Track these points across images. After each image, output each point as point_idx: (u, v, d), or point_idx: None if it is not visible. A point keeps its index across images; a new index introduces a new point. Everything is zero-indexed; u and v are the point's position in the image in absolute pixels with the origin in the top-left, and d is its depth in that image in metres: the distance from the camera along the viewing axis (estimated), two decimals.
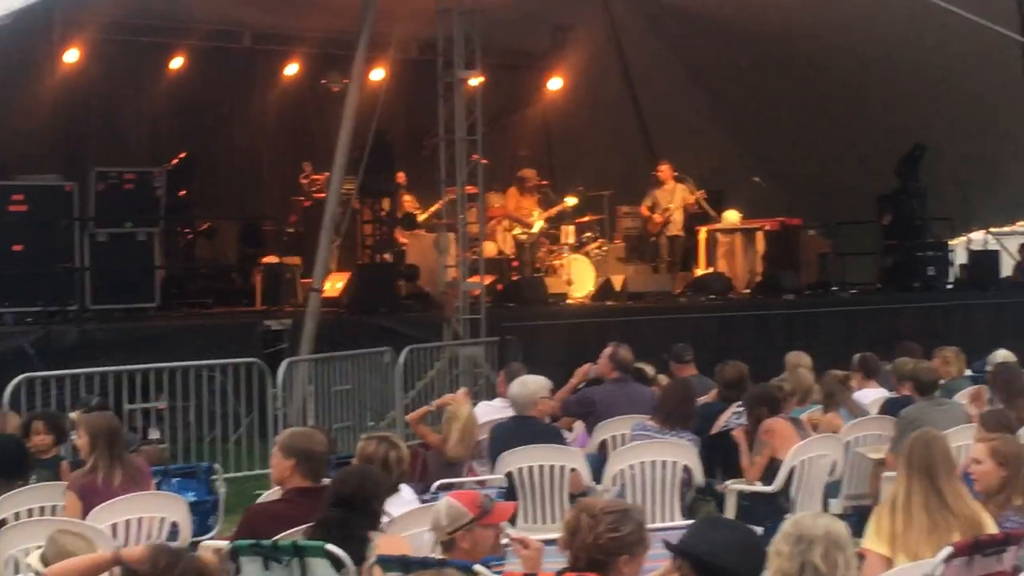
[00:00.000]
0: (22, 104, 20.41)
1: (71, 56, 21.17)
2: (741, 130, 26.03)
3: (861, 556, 6.00)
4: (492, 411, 11.49)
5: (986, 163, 23.24)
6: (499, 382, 12.39)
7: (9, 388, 12.81)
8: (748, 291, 22.32)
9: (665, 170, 22.66)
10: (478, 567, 6.08)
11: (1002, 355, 12.65)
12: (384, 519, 7.09)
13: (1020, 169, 22.35)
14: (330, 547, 6.44)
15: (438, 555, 6.30)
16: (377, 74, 23.48)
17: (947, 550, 6.05)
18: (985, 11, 19.98)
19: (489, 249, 21.77)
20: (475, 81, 24.08)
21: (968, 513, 6.81)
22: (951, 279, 24.28)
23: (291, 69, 23.68)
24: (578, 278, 21.58)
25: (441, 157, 18.15)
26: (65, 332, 16.51)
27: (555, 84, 26.26)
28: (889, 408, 11.28)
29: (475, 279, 18.33)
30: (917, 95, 22.50)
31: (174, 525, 8.48)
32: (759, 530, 5.51)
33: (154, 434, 14.85)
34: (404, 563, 6.15)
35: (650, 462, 9.98)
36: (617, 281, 21.33)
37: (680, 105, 26.16)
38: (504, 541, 6.38)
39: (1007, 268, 25.23)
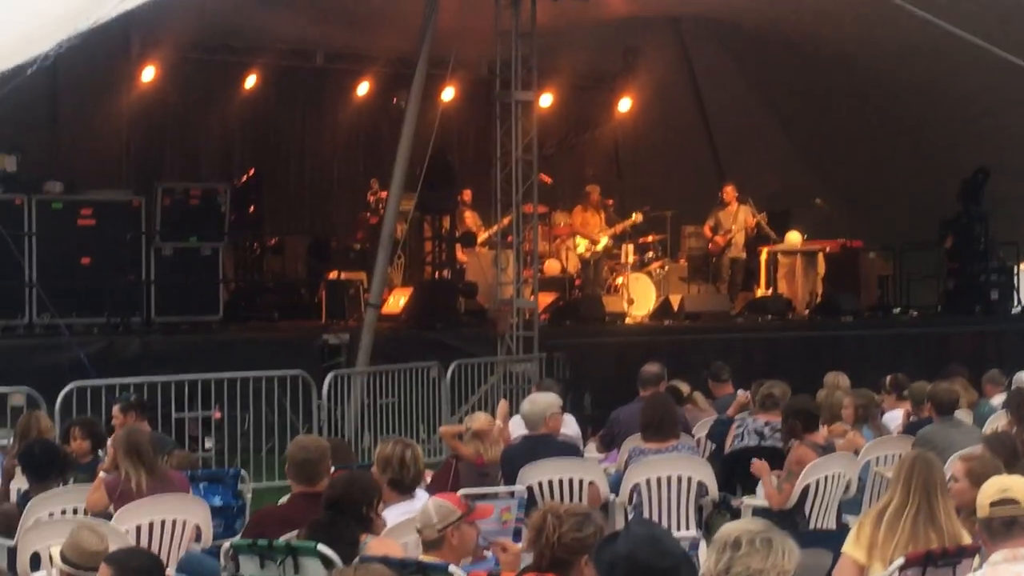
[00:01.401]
0: (98, 120, 21.03)
1: (148, 74, 21.68)
2: (808, 152, 26.21)
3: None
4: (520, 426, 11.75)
5: None
6: None
7: (60, 395, 13.27)
8: (807, 312, 22.46)
9: (729, 191, 22.88)
10: (453, 567, 6.40)
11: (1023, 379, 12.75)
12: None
13: None
14: (321, 547, 6.77)
15: (420, 556, 6.61)
16: (448, 93, 23.96)
17: (899, 560, 6.27)
18: None
19: (553, 267, 22.13)
20: (543, 100, 24.69)
21: (953, 531, 7.01)
22: (1016, 303, 24.24)
23: (363, 88, 24.09)
24: (639, 297, 21.85)
25: (497, 177, 18.43)
26: (128, 343, 16.98)
27: (625, 105, 26.48)
28: (910, 429, 11.47)
29: (529, 297, 18.58)
30: (981, 118, 22.53)
31: (197, 528, 8.84)
32: None
33: (208, 443, 15.35)
34: (385, 564, 6.45)
35: (665, 477, 10.24)
36: (676, 301, 21.57)
37: (749, 126, 26.38)
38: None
39: None
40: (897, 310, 23.59)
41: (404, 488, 7.98)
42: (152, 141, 22.15)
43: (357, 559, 6.21)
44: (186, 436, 15.13)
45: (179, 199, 18.38)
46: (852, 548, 7.06)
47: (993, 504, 5.57)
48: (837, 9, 20.66)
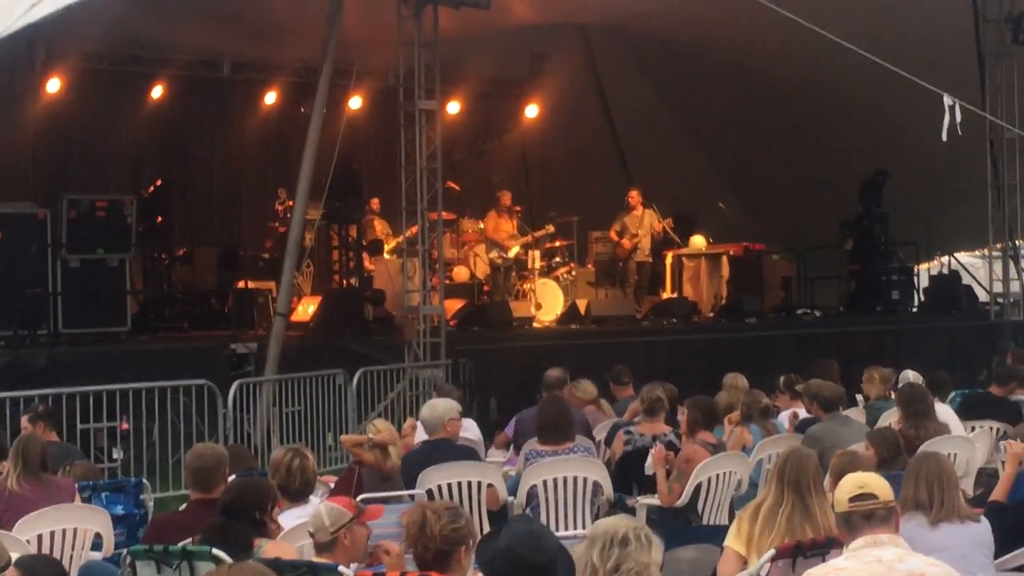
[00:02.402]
0: (3, 132, 20.93)
1: (53, 85, 21.67)
2: (713, 156, 26.62)
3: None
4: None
5: (948, 189, 23.73)
6: None
7: None
8: (712, 314, 22.81)
9: (635, 196, 23.19)
10: (343, 568, 6.60)
11: (912, 376, 13.06)
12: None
13: (981, 195, 22.73)
14: (216, 552, 6.93)
15: (313, 558, 6.81)
16: (355, 102, 24.11)
17: (770, 552, 6.54)
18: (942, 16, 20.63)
19: (461, 274, 22.33)
20: (450, 107, 24.90)
21: (828, 525, 7.24)
22: (916, 303, 24.75)
23: (270, 97, 24.20)
24: (547, 302, 22.12)
25: (402, 185, 18.59)
26: (36, 355, 16.92)
27: (532, 111, 26.79)
28: (801, 427, 11.77)
29: (436, 304, 18.77)
30: (880, 121, 22.98)
31: (97, 536, 8.98)
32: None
33: (116, 454, 15.40)
34: (276, 567, 6.63)
35: (561, 478, 10.46)
36: (582, 305, 21.85)
37: (655, 132, 26.74)
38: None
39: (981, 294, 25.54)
40: (802, 311, 23.98)
41: (292, 495, 8.17)
42: (59, 152, 22.15)
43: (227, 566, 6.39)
44: (92, 447, 15.16)
45: (85, 211, 18.33)
46: (733, 541, 7.35)
47: (852, 499, 5.84)
48: (732, 18, 20.99)
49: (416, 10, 18.11)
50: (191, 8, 20.01)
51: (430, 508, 6.15)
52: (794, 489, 7.24)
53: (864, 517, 5.76)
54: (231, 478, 8.38)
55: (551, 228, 22.82)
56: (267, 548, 7.06)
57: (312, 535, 6.84)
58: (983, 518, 7.42)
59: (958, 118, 12.95)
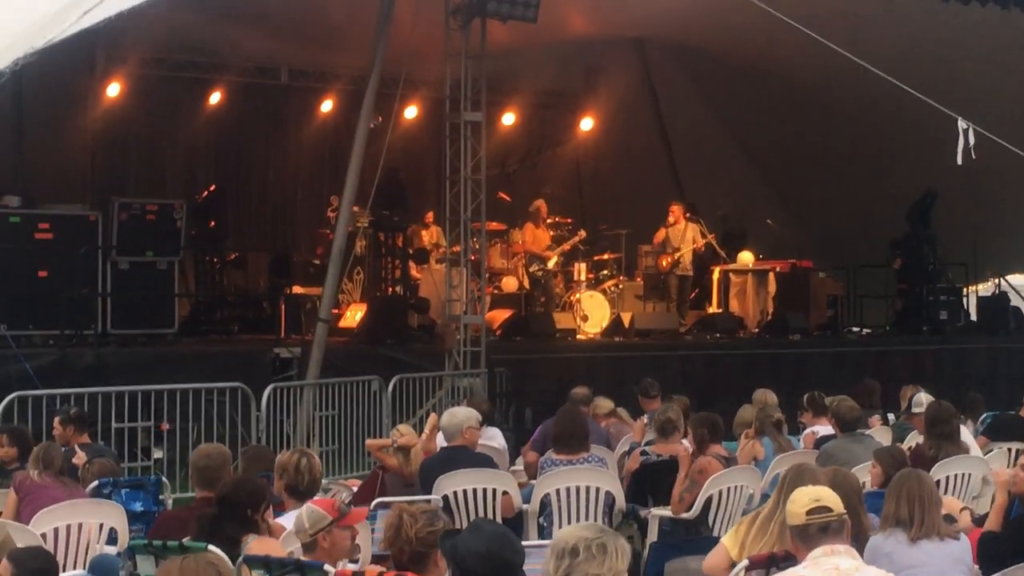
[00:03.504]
0: (63, 135, 21.37)
1: (112, 90, 22.03)
2: (765, 173, 26.66)
3: None
4: None
5: (996, 210, 23.68)
6: None
7: (2, 405, 13.64)
8: (757, 331, 22.87)
9: (676, 210, 23.29)
10: (327, 567, 6.79)
11: (924, 398, 13.09)
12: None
13: None
14: (212, 548, 7.14)
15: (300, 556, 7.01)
16: (411, 111, 24.39)
17: (744, 562, 6.68)
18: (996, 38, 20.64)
19: (510, 284, 22.50)
20: (505, 119, 25.13)
21: None
22: (964, 323, 24.69)
23: (326, 105, 24.49)
24: (593, 314, 22.24)
25: (446, 196, 18.80)
26: (81, 355, 17.25)
27: (587, 124, 26.89)
28: (819, 444, 11.86)
29: (478, 312, 18.96)
30: (930, 141, 22.91)
31: (112, 530, 9.23)
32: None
33: (158, 453, 15.70)
34: (266, 563, 6.86)
35: (575, 487, 10.63)
36: (627, 318, 21.97)
37: (708, 147, 26.80)
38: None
39: None
40: (846, 329, 24.03)
41: (299, 494, 8.35)
42: (116, 156, 22.48)
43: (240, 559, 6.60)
44: (138, 446, 15.49)
45: (135, 214, 18.67)
46: (728, 540, 7.54)
47: (809, 512, 6.00)
48: (790, 36, 21.04)
49: (464, 22, 18.31)
50: (249, 14, 20.28)
51: (407, 511, 6.33)
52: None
53: (820, 529, 5.93)
54: None
55: (583, 234, 22.91)
56: (252, 545, 7.27)
57: (297, 535, 7.03)
58: (963, 536, 7.52)
59: (972, 141, 12.98)
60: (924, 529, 7.36)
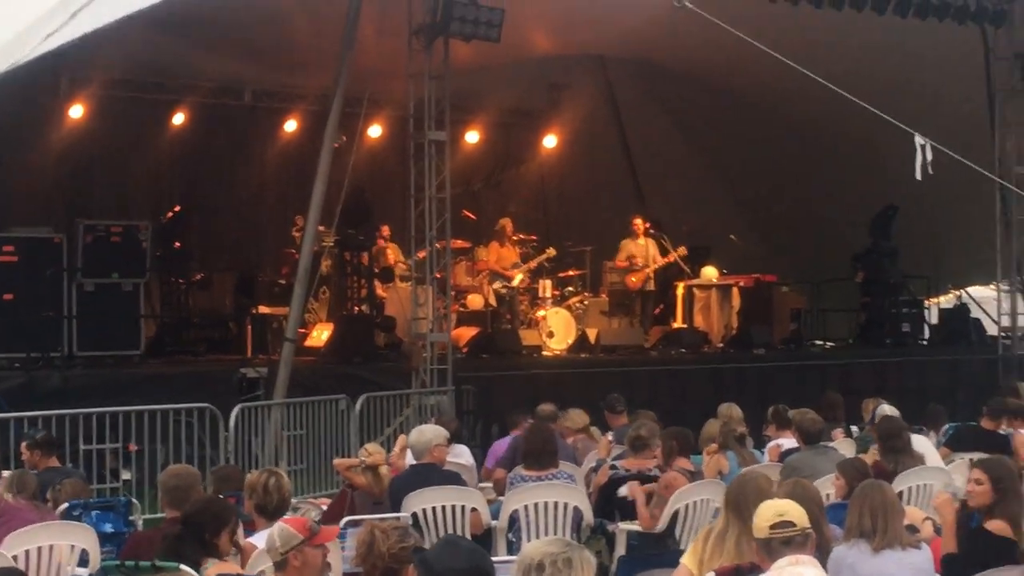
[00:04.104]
0: (27, 158, 21.31)
1: (76, 112, 22.02)
2: (729, 188, 26.84)
3: None
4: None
5: (956, 223, 23.91)
6: None
7: None
8: (721, 345, 23.01)
9: (639, 223, 23.45)
10: None
11: (887, 409, 13.24)
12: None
13: (991, 230, 22.87)
14: (184, 568, 7.21)
15: None
16: (375, 131, 24.47)
17: (711, 574, 6.78)
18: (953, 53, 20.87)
19: (476, 302, 22.59)
20: (469, 137, 25.24)
21: None
22: (925, 336, 24.92)
23: (290, 126, 24.52)
24: (558, 331, 22.34)
25: (411, 215, 18.88)
26: (48, 377, 17.28)
27: (550, 141, 27.04)
28: (783, 456, 12.00)
29: (444, 330, 19.04)
30: (893, 156, 23.11)
31: (84, 552, 9.28)
32: None
33: (126, 474, 15.72)
34: None
35: (543, 502, 10.72)
36: (592, 334, 22.08)
37: (672, 163, 26.99)
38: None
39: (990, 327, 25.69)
40: (819, 342, 24.23)
41: (269, 514, 8.42)
42: (80, 178, 22.46)
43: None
44: (106, 468, 15.51)
45: (101, 236, 18.69)
46: (688, 559, 7.61)
47: (772, 527, 6.13)
48: (749, 53, 21.23)
49: (427, 42, 18.41)
50: (213, 36, 20.29)
51: (379, 528, 6.40)
52: (736, 513, 7.46)
53: (783, 543, 6.06)
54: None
55: (552, 251, 23.06)
56: (210, 570, 7.35)
57: (268, 554, 7.09)
58: (924, 545, 7.64)
59: (929, 157, 13.17)
60: (887, 539, 7.48)
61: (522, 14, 19.29)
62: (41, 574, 9.03)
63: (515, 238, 23.06)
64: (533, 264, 22.82)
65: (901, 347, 23.66)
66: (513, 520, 10.84)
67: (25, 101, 19.44)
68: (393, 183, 24.30)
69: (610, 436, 12.93)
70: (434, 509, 10.70)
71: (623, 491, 10.94)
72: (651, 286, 23.38)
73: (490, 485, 12.60)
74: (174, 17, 16.95)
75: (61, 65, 20.19)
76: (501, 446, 13.39)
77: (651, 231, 23.37)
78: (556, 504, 10.75)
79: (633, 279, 23.21)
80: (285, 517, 7.76)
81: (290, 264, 22.69)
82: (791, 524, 6.12)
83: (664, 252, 23.32)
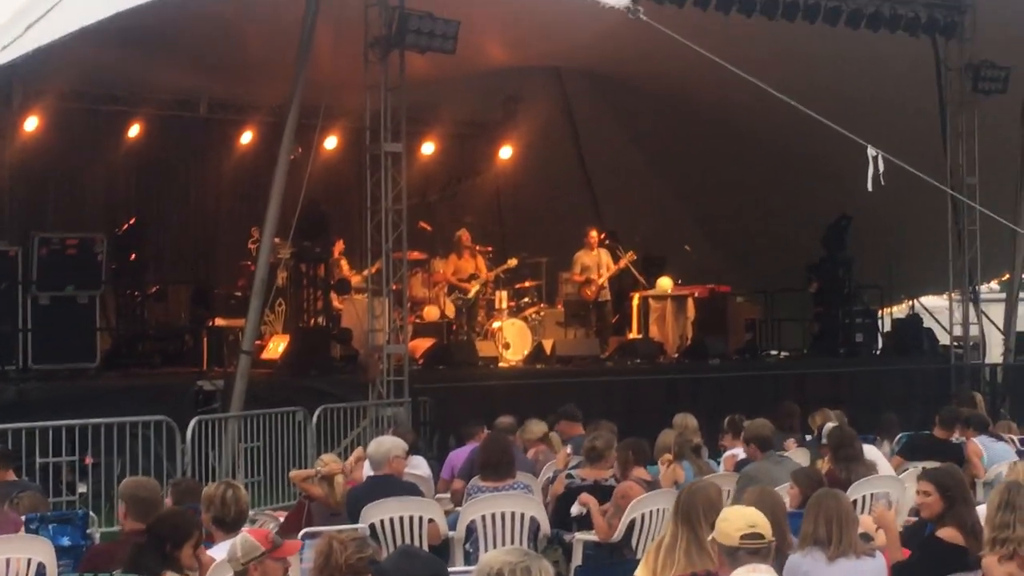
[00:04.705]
0: None
1: (31, 124, 21.96)
2: (683, 199, 26.97)
3: None
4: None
5: (909, 233, 24.12)
6: None
7: None
8: (676, 356, 23.12)
9: (593, 235, 23.57)
10: None
11: (832, 415, 13.31)
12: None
13: (943, 240, 23.06)
14: None
15: None
16: (330, 142, 24.48)
17: None
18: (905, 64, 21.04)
19: (432, 313, 22.63)
20: (425, 148, 25.29)
21: None
22: (879, 345, 25.11)
23: (246, 137, 24.51)
24: (514, 342, 22.43)
25: (367, 226, 18.91)
26: (3, 390, 17.20)
27: (506, 153, 27.11)
28: (739, 466, 12.09)
29: (400, 342, 19.07)
30: (846, 166, 23.28)
31: (41, 566, 9.26)
32: None
33: (83, 487, 15.67)
34: None
35: (500, 513, 10.78)
36: (548, 345, 22.16)
37: (627, 174, 27.11)
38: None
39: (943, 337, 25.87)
40: (774, 352, 24.39)
41: (227, 526, 8.43)
42: (35, 190, 22.38)
43: None
44: (62, 481, 15.47)
45: (56, 248, 18.68)
46: (642, 571, 7.65)
47: (743, 537, 6.23)
48: (702, 65, 21.36)
49: (382, 54, 18.44)
50: (168, 48, 20.30)
51: (336, 539, 6.45)
52: (687, 524, 7.52)
53: (751, 553, 6.15)
54: None
55: (513, 262, 23.17)
56: None
57: (229, 564, 7.12)
58: (878, 553, 7.73)
59: (881, 168, 13.30)
60: (842, 547, 7.57)
61: (478, 26, 19.39)
62: None
63: (473, 248, 23.09)
64: (491, 275, 22.87)
65: (854, 357, 23.87)
66: (470, 531, 10.88)
67: None
68: (349, 195, 24.33)
69: (569, 449, 12.98)
70: (392, 520, 10.73)
71: (574, 510, 11.00)
72: (606, 295, 23.45)
73: (447, 496, 12.64)
74: (129, 30, 16.92)
75: (15, 77, 20.19)
76: (458, 456, 13.43)
77: (605, 242, 23.44)
78: (513, 515, 10.81)
79: (588, 290, 23.30)
80: (247, 528, 7.78)
81: (246, 276, 22.64)
82: (760, 536, 6.23)
83: (617, 261, 23.45)
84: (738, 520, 6.35)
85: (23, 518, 9.95)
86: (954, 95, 22.65)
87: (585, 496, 10.98)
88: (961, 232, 22.91)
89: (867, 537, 8.44)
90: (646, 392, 20.38)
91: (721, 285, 24.29)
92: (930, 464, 12.86)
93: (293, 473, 12.29)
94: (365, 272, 20.43)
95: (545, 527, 10.95)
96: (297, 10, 17.70)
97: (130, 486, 8.58)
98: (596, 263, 23.33)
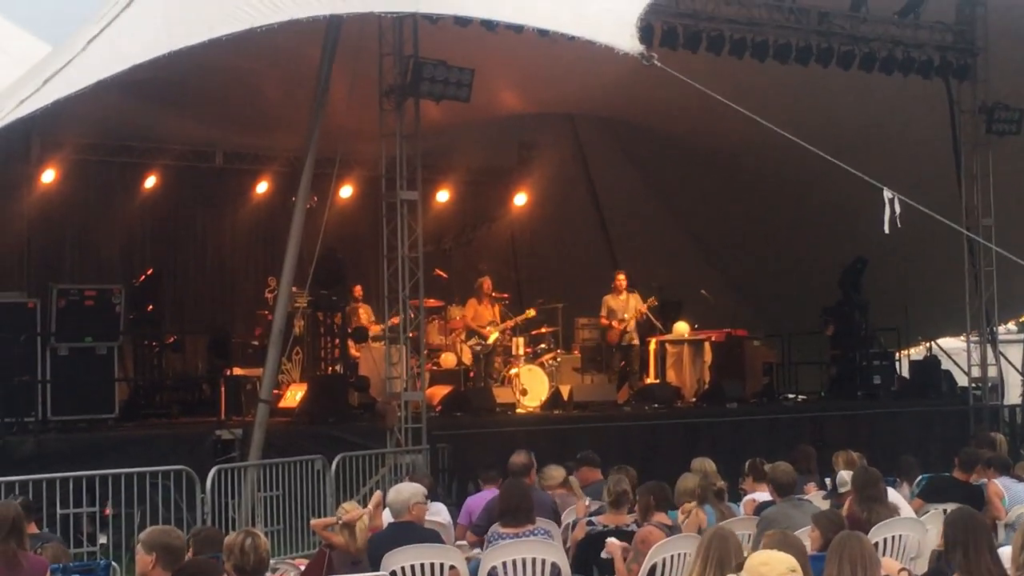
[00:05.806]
0: None
1: (48, 176, 22.12)
2: (699, 242, 27.00)
3: None
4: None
5: (925, 275, 24.11)
6: None
7: None
8: (694, 400, 23.11)
9: (622, 279, 23.56)
10: None
11: (847, 477, 13.24)
12: None
13: (960, 281, 23.05)
14: None
15: None
16: (346, 191, 24.56)
17: None
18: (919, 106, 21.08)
19: (449, 360, 22.64)
20: (440, 196, 25.36)
21: None
22: (897, 388, 25.05)
23: (261, 187, 24.64)
24: (532, 388, 22.43)
25: (384, 274, 18.95)
26: (22, 442, 17.26)
27: (521, 199, 27.19)
28: (759, 510, 12.06)
29: (417, 389, 19.08)
30: (862, 209, 23.32)
31: None
32: None
33: (102, 538, 15.69)
34: None
35: (521, 559, 10.76)
36: (566, 391, 22.17)
37: (642, 219, 27.17)
38: None
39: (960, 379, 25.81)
40: (791, 396, 24.36)
41: (247, 575, 8.45)
42: (52, 242, 22.55)
43: None
44: (83, 532, 15.49)
45: (74, 300, 18.75)
46: None
47: None
48: (717, 109, 21.44)
49: (397, 103, 18.52)
50: (183, 99, 20.43)
51: None
52: (716, 565, 7.53)
53: None
54: None
55: (532, 312, 23.19)
56: None
57: None
58: None
59: (898, 210, 13.32)
60: None
61: (492, 74, 19.49)
62: None
63: (495, 295, 23.15)
64: (510, 324, 22.92)
65: (872, 399, 23.82)
66: None
67: None
68: (365, 243, 24.39)
69: (588, 501, 12.96)
70: (413, 567, 10.72)
71: (605, 554, 10.95)
72: (633, 339, 23.45)
73: (466, 543, 12.62)
74: (145, 82, 17.04)
75: (33, 131, 20.36)
76: (475, 502, 13.38)
77: (630, 287, 23.49)
78: (535, 560, 10.79)
79: (612, 334, 23.31)
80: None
81: (263, 325, 22.73)
82: None
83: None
84: (779, 565, 6.40)
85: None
86: (968, 137, 22.69)
87: (615, 543, 10.93)
88: (978, 273, 22.89)
89: None
90: (664, 436, 20.37)
91: (737, 329, 24.27)
92: (951, 506, 12.91)
93: (314, 522, 12.27)
94: (384, 324, 20.45)
95: (566, 572, 10.93)
96: (312, 61, 17.80)
97: (160, 535, 8.53)
98: (623, 307, 23.33)
